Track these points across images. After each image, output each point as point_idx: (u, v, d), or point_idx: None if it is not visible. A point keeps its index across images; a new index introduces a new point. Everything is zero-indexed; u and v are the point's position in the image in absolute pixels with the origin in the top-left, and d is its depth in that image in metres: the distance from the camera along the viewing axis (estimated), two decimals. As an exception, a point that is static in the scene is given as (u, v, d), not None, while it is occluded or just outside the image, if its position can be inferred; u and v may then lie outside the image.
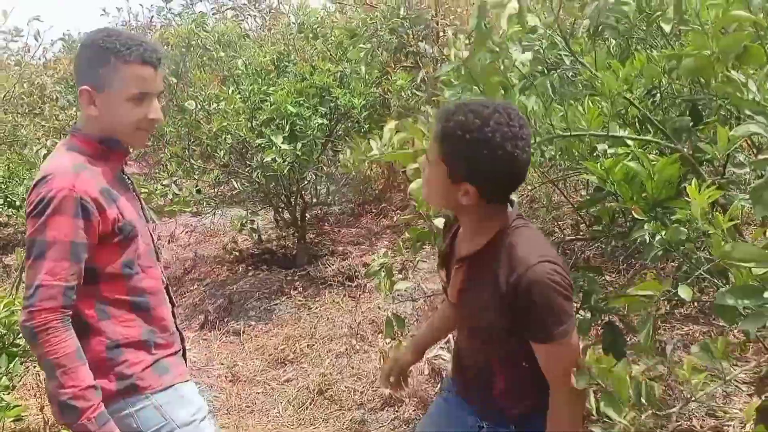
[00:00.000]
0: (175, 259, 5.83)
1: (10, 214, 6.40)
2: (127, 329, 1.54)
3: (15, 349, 2.39)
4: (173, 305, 1.73)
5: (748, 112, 1.17)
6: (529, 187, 2.44)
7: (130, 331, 1.55)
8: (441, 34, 5.16)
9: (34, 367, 3.15)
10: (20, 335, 2.37)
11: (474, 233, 1.45)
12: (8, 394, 2.49)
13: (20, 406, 2.38)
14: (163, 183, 4.89)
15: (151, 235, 1.67)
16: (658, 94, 2.04)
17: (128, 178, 1.66)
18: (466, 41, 1.38)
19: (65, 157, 1.50)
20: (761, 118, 1.13)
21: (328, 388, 3.27)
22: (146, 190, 4.30)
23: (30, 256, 1.42)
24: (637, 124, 2.01)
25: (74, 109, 7.38)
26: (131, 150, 1.66)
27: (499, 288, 1.35)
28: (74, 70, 1.55)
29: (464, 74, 1.47)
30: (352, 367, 3.42)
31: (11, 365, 2.32)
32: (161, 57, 1.54)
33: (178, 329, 1.72)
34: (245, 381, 3.50)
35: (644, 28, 1.97)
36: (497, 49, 1.43)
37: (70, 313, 1.43)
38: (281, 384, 3.44)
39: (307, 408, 3.16)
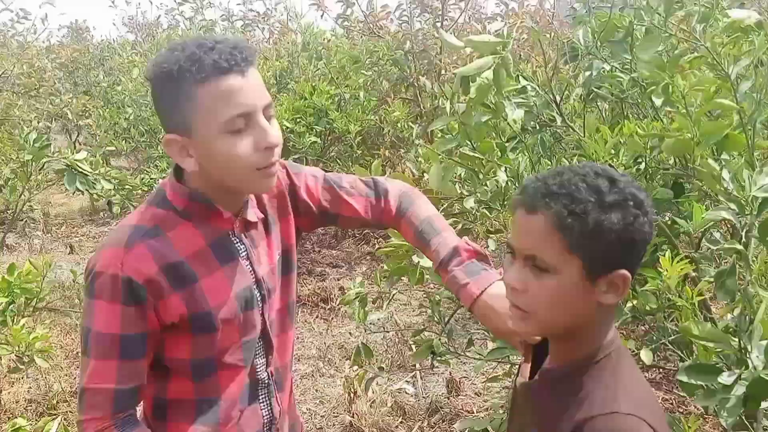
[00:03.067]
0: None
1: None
2: None
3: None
4: (273, 415, 1.29)
5: (720, 198, 1.24)
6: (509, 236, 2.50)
7: None
8: (443, 71, 5.27)
9: None
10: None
11: (583, 343, 0.98)
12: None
13: None
14: (151, 176, 4.91)
15: (263, 318, 1.23)
16: (644, 163, 2.13)
17: (243, 242, 1.20)
18: (462, 95, 1.43)
19: (136, 216, 1.14)
20: (733, 206, 1.19)
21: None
22: (129, 186, 4.30)
23: (81, 347, 1.13)
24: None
25: (69, 95, 7.39)
26: (237, 208, 1.19)
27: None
28: (158, 116, 1.14)
29: (460, 129, 1.52)
30: (317, 390, 3.42)
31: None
32: (248, 55, 1.05)
33: None
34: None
35: (637, 98, 2.06)
36: (493, 107, 1.50)
37: (129, 413, 1.13)
38: (242, 397, 3.43)
39: (264, 425, 3.16)
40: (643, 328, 2.71)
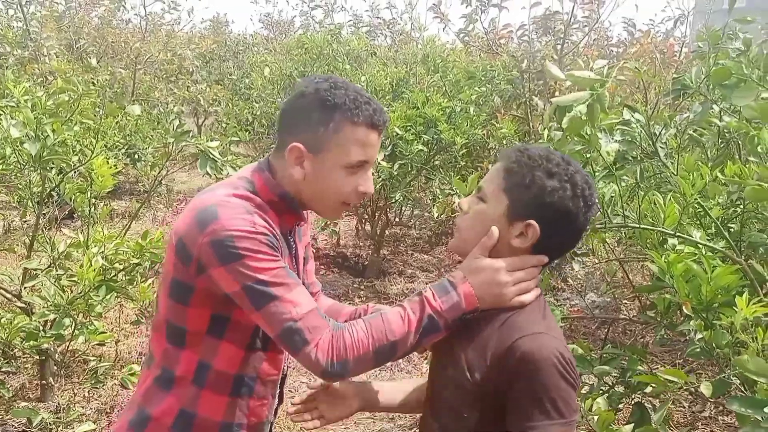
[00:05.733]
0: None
1: (127, 162, 7.02)
2: (210, 407, 1.29)
3: (113, 284, 2.74)
4: (281, 401, 1.44)
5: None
6: (596, 261, 2.56)
7: (212, 412, 1.30)
8: (557, 93, 5.30)
9: (120, 303, 3.54)
10: (122, 273, 2.71)
11: None
12: (96, 320, 2.86)
13: (106, 333, 2.73)
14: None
15: None
16: (741, 206, 2.13)
17: (294, 242, 1.38)
18: (558, 122, 1.55)
19: (235, 194, 1.24)
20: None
21: (366, 396, 3.47)
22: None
23: (256, 307, 1.17)
24: (713, 228, 2.11)
25: (204, 83, 8.03)
26: (308, 218, 1.42)
27: (484, 358, 1.15)
28: (283, 118, 1.30)
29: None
30: (393, 383, 3.61)
31: (107, 296, 2.66)
32: (386, 120, 1.27)
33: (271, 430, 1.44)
34: (295, 368, 3.76)
35: (740, 142, 2.08)
36: (587, 138, 1.60)
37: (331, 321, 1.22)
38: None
39: (342, 408, 3.37)
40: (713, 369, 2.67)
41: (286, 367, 1.43)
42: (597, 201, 1.20)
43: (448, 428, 1.19)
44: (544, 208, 1.14)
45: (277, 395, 1.41)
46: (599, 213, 1.87)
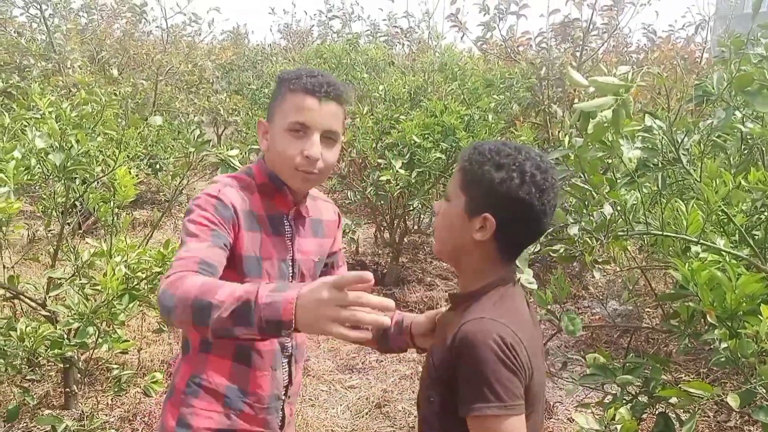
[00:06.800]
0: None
1: (148, 172, 7.09)
2: (216, 372, 1.44)
3: (136, 293, 2.77)
4: (290, 382, 1.55)
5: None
6: (617, 268, 2.53)
7: (218, 376, 1.44)
8: (576, 100, 5.27)
9: (142, 312, 3.58)
10: (145, 282, 2.74)
11: (471, 275, 1.28)
12: (119, 329, 2.89)
13: (129, 341, 2.76)
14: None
15: None
16: (766, 212, 2.10)
17: (291, 227, 1.50)
18: (577, 125, 1.54)
19: (231, 175, 1.45)
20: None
21: (386, 404, 3.46)
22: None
23: (180, 244, 1.31)
24: (737, 235, 2.08)
25: (224, 94, 8.11)
26: (298, 198, 1.52)
27: (441, 344, 1.22)
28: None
29: (574, 161, 1.63)
30: (413, 392, 3.59)
31: (130, 305, 2.69)
32: (334, 92, 1.39)
33: (283, 411, 1.54)
34: (314, 376, 3.76)
35: (763, 147, 2.05)
36: (609, 145, 1.58)
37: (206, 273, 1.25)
38: (345, 388, 3.67)
39: (363, 417, 3.36)
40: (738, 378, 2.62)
41: (293, 346, 1.53)
42: (554, 182, 1.23)
43: (423, 412, 1.28)
44: (496, 200, 1.20)
45: (281, 370, 1.51)
46: (620, 219, 1.86)
